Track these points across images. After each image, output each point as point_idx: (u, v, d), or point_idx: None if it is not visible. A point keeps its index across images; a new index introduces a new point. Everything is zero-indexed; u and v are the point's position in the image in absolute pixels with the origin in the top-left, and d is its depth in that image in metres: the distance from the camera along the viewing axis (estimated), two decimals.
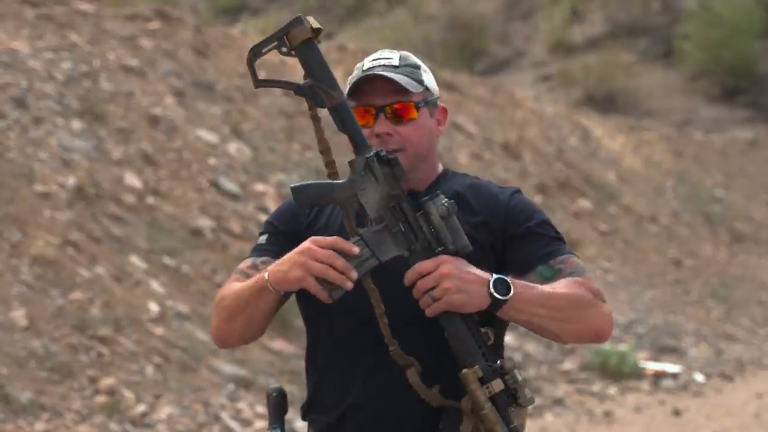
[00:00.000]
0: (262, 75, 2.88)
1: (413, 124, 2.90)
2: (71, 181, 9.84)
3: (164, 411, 8.02)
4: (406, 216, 2.75)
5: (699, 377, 11.81)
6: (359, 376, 2.85)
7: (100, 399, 7.80)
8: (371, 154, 2.77)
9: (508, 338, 11.45)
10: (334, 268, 2.67)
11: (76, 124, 10.78)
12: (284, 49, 2.87)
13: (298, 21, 2.87)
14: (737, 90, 26.50)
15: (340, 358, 2.88)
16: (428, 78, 2.97)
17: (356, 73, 2.94)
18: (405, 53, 2.98)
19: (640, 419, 10.12)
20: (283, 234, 2.93)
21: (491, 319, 2.77)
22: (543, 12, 30.24)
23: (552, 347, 11.70)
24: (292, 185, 2.84)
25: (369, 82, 2.89)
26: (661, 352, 12.65)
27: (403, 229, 2.74)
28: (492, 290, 2.67)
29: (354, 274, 2.69)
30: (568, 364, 11.48)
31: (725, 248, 17.98)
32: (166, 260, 9.82)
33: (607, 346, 11.76)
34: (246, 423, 8.31)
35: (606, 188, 17.28)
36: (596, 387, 11.01)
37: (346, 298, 2.73)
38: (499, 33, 29.92)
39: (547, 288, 2.75)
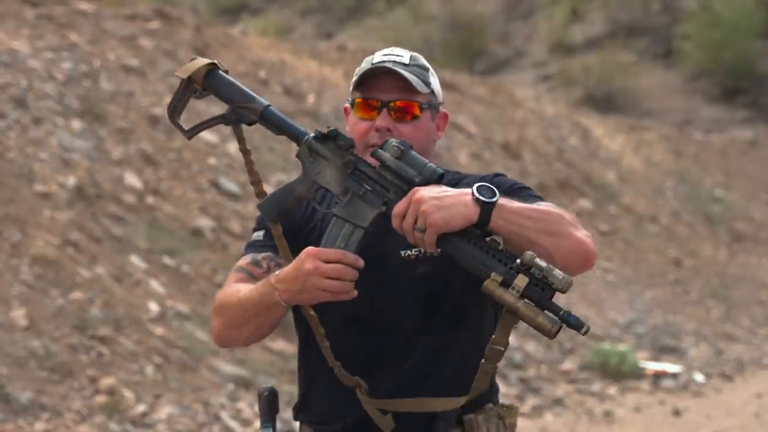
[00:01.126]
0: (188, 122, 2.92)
1: (414, 123, 2.89)
2: (71, 181, 9.84)
3: (164, 411, 8.02)
4: (368, 175, 2.72)
5: (699, 377, 11.81)
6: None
7: (100, 399, 7.80)
8: (309, 137, 2.77)
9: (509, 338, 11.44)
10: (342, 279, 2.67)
11: (76, 124, 10.78)
12: (197, 93, 2.89)
13: (192, 62, 2.91)
14: (737, 90, 26.50)
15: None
16: (435, 82, 2.97)
17: (365, 66, 2.94)
18: (416, 54, 2.98)
19: (640, 419, 10.12)
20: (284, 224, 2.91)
21: None
22: (543, 12, 30.23)
23: (552, 347, 11.70)
24: (258, 204, 2.83)
25: (377, 77, 2.89)
26: (661, 352, 12.65)
27: (369, 188, 2.72)
28: (477, 194, 2.61)
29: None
30: (568, 364, 11.48)
31: (725, 248, 17.98)
32: (166, 260, 9.82)
33: (607, 346, 11.77)
34: (246, 423, 8.31)
35: (606, 188, 17.28)
36: (596, 387, 11.01)
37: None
38: (499, 33, 29.92)
39: (531, 204, 2.73)
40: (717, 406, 10.71)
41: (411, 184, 2.66)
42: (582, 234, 2.72)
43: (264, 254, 2.90)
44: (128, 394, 7.97)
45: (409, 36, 27.90)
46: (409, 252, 2.84)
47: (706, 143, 22.42)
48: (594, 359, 11.42)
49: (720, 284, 16.19)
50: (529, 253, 2.55)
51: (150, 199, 10.47)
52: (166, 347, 8.72)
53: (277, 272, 2.73)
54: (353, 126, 2.92)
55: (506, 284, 2.58)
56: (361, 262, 2.66)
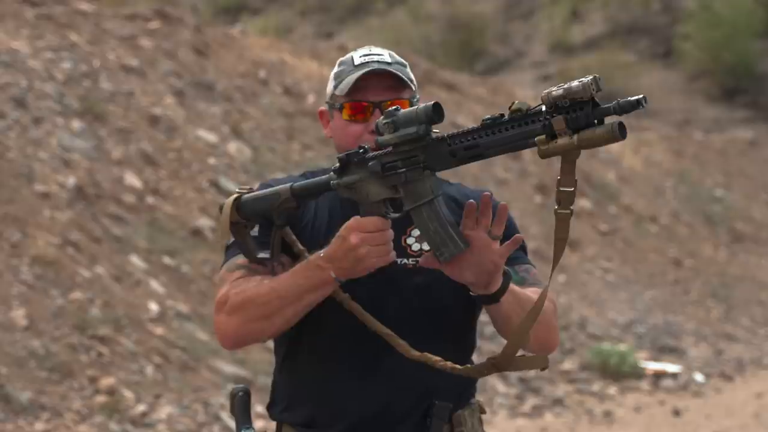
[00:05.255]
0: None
1: None
2: (71, 181, 9.84)
3: (164, 411, 8.02)
4: (393, 161, 2.72)
5: (699, 377, 11.81)
6: (353, 378, 2.88)
7: (100, 399, 7.80)
8: (334, 179, 2.77)
9: None
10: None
11: (76, 124, 10.78)
12: (246, 228, 2.86)
13: (222, 214, 2.87)
14: (737, 90, 26.49)
15: (331, 356, 2.90)
16: (413, 76, 3.00)
17: (346, 68, 2.93)
18: (391, 51, 2.99)
19: (640, 419, 10.12)
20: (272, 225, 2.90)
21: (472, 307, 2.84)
22: (543, 12, 30.23)
23: None
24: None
25: (364, 79, 2.88)
26: (661, 352, 12.65)
27: (405, 168, 2.71)
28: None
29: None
30: (568, 364, 11.48)
31: (725, 248, 17.98)
32: (166, 260, 9.82)
33: (607, 346, 11.77)
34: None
35: (606, 188, 17.28)
36: (596, 387, 11.01)
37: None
38: (499, 33, 29.92)
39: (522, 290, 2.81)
40: (717, 406, 10.71)
41: (422, 139, 2.66)
42: (556, 326, 2.89)
43: (267, 251, 2.87)
44: (128, 394, 7.98)
45: (409, 36, 27.91)
46: (405, 261, 2.87)
47: (706, 143, 22.41)
48: (594, 359, 11.42)
49: (720, 284, 16.19)
50: (545, 92, 2.52)
51: (150, 199, 10.47)
52: (166, 347, 8.72)
53: (320, 253, 2.73)
54: (342, 129, 2.91)
55: (553, 136, 2.55)
56: (391, 232, 2.71)
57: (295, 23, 30.70)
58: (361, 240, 2.67)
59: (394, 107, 2.71)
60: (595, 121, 2.51)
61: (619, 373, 11.27)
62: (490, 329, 11.39)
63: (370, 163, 2.73)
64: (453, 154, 2.67)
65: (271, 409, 2.99)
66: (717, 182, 20.57)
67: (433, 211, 2.70)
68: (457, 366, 2.78)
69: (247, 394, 2.96)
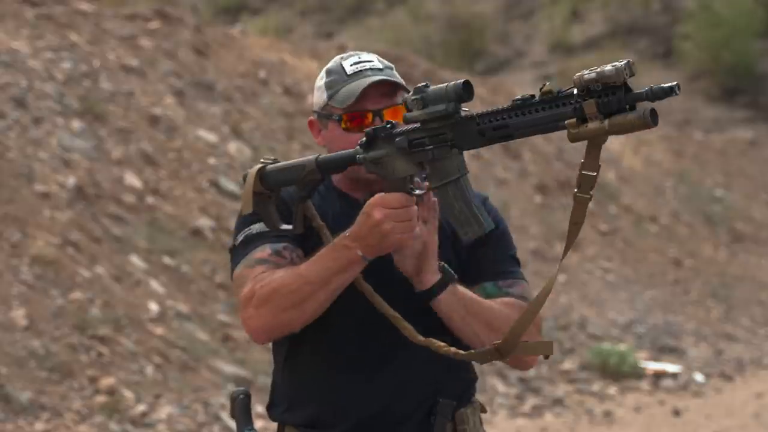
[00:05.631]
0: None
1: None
2: (71, 181, 9.84)
3: (164, 411, 8.02)
4: (421, 138, 2.71)
5: (699, 377, 11.81)
6: (363, 373, 2.88)
7: (100, 399, 7.80)
8: (360, 153, 2.77)
9: None
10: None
11: (76, 124, 10.78)
12: (270, 198, 2.86)
13: (246, 184, 2.87)
14: (737, 90, 26.49)
15: (338, 356, 2.89)
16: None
17: (342, 79, 2.90)
18: (375, 55, 2.97)
19: (640, 419, 10.12)
20: (287, 216, 2.88)
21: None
22: (543, 12, 30.22)
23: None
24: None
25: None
26: (661, 352, 12.65)
27: (432, 146, 2.70)
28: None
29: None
30: (568, 364, 11.48)
31: (725, 248, 17.98)
32: (166, 260, 9.83)
33: (607, 346, 11.77)
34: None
35: (606, 188, 17.27)
36: (596, 387, 11.01)
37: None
38: (499, 33, 29.91)
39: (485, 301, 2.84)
40: (717, 406, 10.71)
41: (451, 117, 2.65)
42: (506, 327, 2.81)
43: (283, 244, 2.84)
44: (128, 394, 7.98)
45: (409, 36, 27.91)
46: None
47: (706, 143, 22.41)
48: (594, 359, 11.42)
49: (720, 284, 16.19)
50: (576, 75, 2.49)
51: (150, 199, 10.47)
52: (166, 347, 8.72)
53: (345, 233, 2.73)
54: (341, 139, 2.88)
55: (583, 119, 2.51)
56: (414, 200, 2.71)
57: (295, 23, 30.70)
58: (384, 216, 2.67)
59: (423, 83, 2.69)
60: (627, 107, 2.49)
61: (619, 373, 11.27)
62: None
63: (397, 139, 2.72)
64: (482, 133, 2.64)
65: (272, 410, 2.98)
66: (717, 182, 20.57)
67: (459, 190, 2.69)
68: (461, 351, 2.77)
69: (247, 397, 2.96)
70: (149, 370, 8.37)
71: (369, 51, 3.12)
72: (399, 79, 2.90)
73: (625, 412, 10.31)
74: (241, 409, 2.95)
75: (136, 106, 11.76)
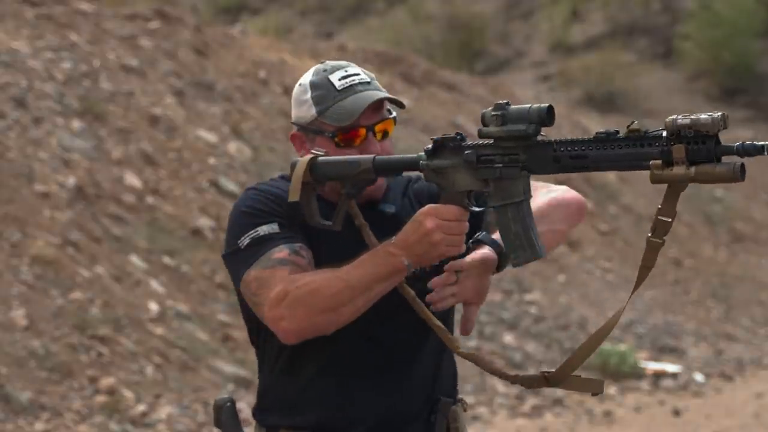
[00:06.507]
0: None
1: (389, 137, 2.90)
2: (71, 180, 9.84)
3: (164, 411, 8.02)
4: (492, 155, 2.70)
5: (699, 377, 11.81)
6: (369, 379, 2.87)
7: (100, 399, 7.80)
8: (424, 160, 2.73)
9: (509, 338, 11.45)
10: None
11: (76, 124, 10.78)
12: (315, 189, 2.84)
13: (296, 171, 2.87)
14: (737, 90, 26.48)
15: (341, 362, 2.87)
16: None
17: (332, 94, 2.85)
18: (360, 67, 2.93)
19: (640, 419, 10.11)
20: (288, 218, 2.83)
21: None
22: (543, 12, 30.21)
23: (552, 347, 11.70)
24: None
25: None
26: (661, 352, 12.65)
27: (501, 165, 2.68)
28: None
29: None
30: None
31: (725, 248, 17.98)
32: (166, 260, 9.82)
33: (607, 346, 11.76)
34: (246, 423, 8.29)
35: (606, 188, 17.27)
36: None
37: None
38: (499, 33, 29.90)
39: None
40: (717, 406, 10.71)
41: (528, 138, 2.64)
42: (573, 195, 2.99)
43: (299, 244, 2.79)
44: (128, 394, 7.98)
45: (409, 36, 27.90)
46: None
47: None
48: (594, 359, 11.42)
49: (720, 284, 16.19)
50: (669, 119, 2.46)
51: (150, 199, 10.47)
52: (166, 347, 8.72)
53: (390, 240, 2.69)
54: (332, 155, 2.83)
55: (669, 163, 2.47)
56: (467, 215, 2.69)
57: (295, 23, 30.70)
58: (436, 226, 2.64)
59: (504, 101, 2.68)
60: (714, 158, 2.48)
61: (619, 373, 11.27)
62: (489, 329, 11.40)
63: (466, 152, 2.69)
64: (557, 159, 2.63)
65: (262, 414, 2.95)
66: None
67: (520, 213, 2.67)
68: (508, 373, 2.77)
69: (234, 404, 2.94)
70: (149, 370, 8.37)
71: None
72: (386, 92, 2.87)
73: (625, 412, 10.31)
74: (229, 416, 2.92)
75: (136, 106, 11.76)
